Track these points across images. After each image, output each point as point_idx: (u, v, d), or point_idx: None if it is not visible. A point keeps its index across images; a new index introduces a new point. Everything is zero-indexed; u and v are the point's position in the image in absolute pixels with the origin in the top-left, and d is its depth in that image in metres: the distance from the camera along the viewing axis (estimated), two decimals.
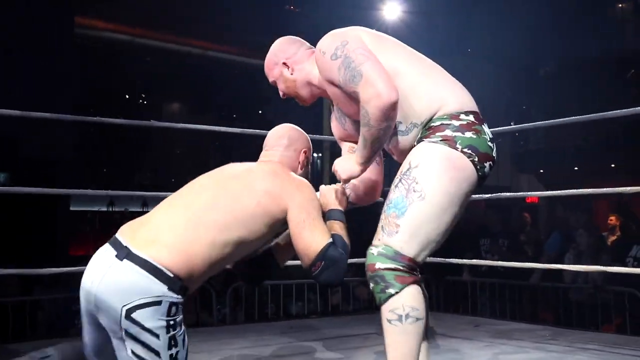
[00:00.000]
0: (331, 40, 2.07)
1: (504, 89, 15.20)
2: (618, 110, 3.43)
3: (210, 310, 6.10)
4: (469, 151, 1.95)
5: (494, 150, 2.03)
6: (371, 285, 1.95)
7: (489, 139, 2.01)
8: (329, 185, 2.26)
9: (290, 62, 2.26)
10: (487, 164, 1.99)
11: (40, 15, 10.77)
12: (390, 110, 1.93)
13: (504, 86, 15.20)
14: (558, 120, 3.82)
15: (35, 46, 10.65)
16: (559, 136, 14.37)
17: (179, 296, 1.91)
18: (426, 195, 1.93)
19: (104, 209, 14.51)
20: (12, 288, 5.90)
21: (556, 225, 7.56)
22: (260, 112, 19.98)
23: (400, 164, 2.07)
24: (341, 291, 6.83)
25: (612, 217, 7.06)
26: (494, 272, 6.24)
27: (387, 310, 1.91)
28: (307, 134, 2.39)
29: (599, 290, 5.45)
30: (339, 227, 2.12)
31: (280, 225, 2.11)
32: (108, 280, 1.89)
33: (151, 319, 1.87)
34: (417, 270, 1.95)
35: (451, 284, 6.69)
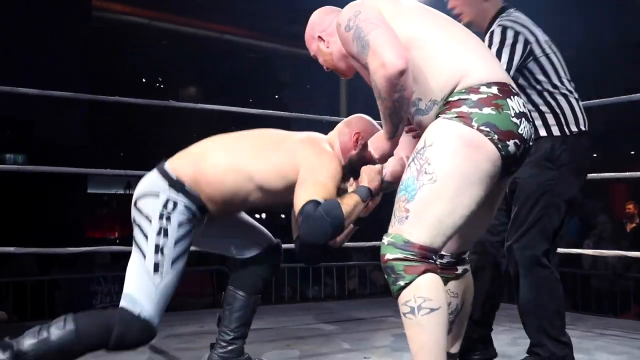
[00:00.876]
0: (346, 11, 1.96)
1: None
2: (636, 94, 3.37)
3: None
4: (487, 129, 1.78)
5: (522, 126, 1.83)
6: (385, 276, 1.83)
7: (513, 114, 1.81)
8: (368, 165, 2.19)
9: (325, 35, 2.18)
10: (510, 142, 1.79)
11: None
12: (397, 79, 1.80)
13: None
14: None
15: (52, 28, 10.69)
16: None
17: (180, 195, 2.15)
18: (438, 177, 1.79)
19: (121, 191, 14.59)
20: (30, 268, 5.94)
21: (575, 212, 7.51)
22: (276, 96, 19.96)
23: None
24: (357, 276, 6.82)
25: (630, 205, 7.02)
26: None
27: (401, 303, 1.79)
28: (324, 115, 2.42)
29: (618, 277, 5.41)
30: (348, 199, 2.10)
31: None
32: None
33: (148, 206, 2.15)
34: (434, 258, 1.81)
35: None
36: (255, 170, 2.19)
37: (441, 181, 1.79)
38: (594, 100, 3.64)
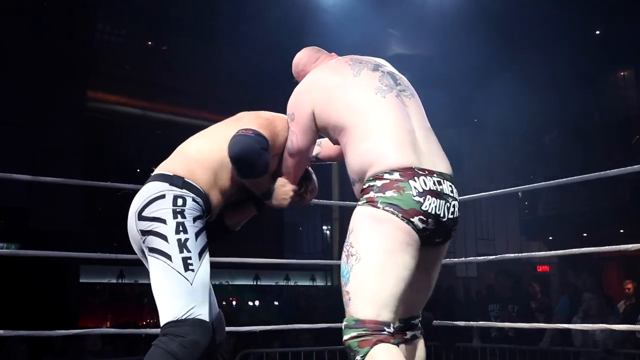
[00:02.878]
0: (289, 104, 2.38)
1: (511, 158, 15.30)
2: (623, 168, 3.46)
3: None
4: (391, 209, 1.99)
5: (427, 203, 2.02)
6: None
7: (415, 194, 2.01)
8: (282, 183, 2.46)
9: (301, 72, 2.56)
10: (415, 219, 2.00)
11: (54, 89, 11.03)
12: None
13: (510, 154, 15.31)
14: (562, 180, 3.85)
15: (47, 117, 10.89)
16: (566, 203, 14.39)
17: (183, 190, 2.12)
18: (361, 255, 1.99)
19: (114, 280, 14.51)
20: (21, 355, 5.90)
21: (567, 292, 7.54)
22: None
23: None
24: None
25: (629, 285, 6.91)
26: (504, 338, 6.20)
27: None
28: (317, 199, 2.63)
29: (609, 354, 5.40)
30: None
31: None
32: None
33: (157, 209, 2.10)
34: (385, 329, 1.95)
35: (461, 351, 6.63)
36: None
37: (365, 258, 1.99)
38: (580, 176, 3.73)
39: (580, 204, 14.08)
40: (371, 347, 1.91)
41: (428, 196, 2.02)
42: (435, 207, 2.04)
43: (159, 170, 2.24)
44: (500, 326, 5.62)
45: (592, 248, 3.57)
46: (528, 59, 12.04)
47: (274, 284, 15.86)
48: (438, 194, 2.05)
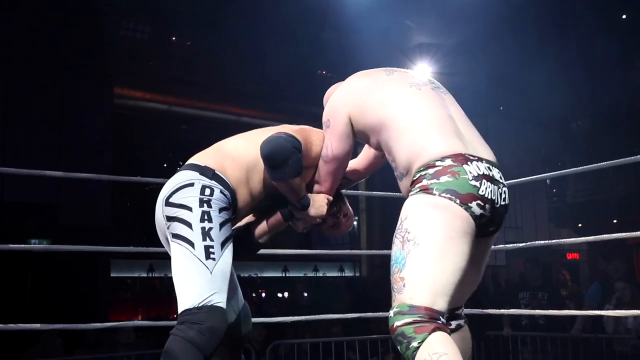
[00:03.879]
0: (325, 112, 2.37)
1: (539, 146, 15.20)
2: None
3: None
4: (448, 195, 1.94)
5: (483, 187, 1.98)
6: (398, 347, 1.89)
7: (472, 178, 1.97)
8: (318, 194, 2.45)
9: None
10: (473, 204, 1.95)
11: (81, 87, 11.16)
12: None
13: (537, 143, 15.20)
14: (590, 166, 3.83)
15: (74, 116, 11.01)
16: (595, 189, 14.27)
17: (213, 181, 2.15)
18: (420, 240, 1.92)
19: (144, 274, 14.65)
20: (56, 350, 5.99)
21: (597, 279, 7.49)
22: None
23: None
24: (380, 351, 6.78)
25: None
26: (535, 326, 6.17)
27: None
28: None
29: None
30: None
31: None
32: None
33: (185, 196, 2.12)
34: (440, 318, 1.87)
35: (492, 339, 6.61)
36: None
37: (424, 243, 1.91)
38: (608, 162, 3.71)
39: (609, 190, 13.95)
40: (429, 334, 1.82)
41: (484, 180, 1.99)
42: (491, 191, 2.00)
43: (191, 160, 2.28)
44: (530, 314, 5.59)
45: (622, 234, 3.54)
46: (554, 45, 11.93)
47: (302, 275, 15.92)
48: (492, 179, 2.02)
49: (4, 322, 3.11)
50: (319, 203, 2.37)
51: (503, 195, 2.05)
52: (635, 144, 12.95)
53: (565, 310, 4.83)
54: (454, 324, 2.24)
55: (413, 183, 2.04)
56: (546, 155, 15.03)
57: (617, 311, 4.61)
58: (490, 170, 2.04)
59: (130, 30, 12.58)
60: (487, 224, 2.02)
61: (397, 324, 1.88)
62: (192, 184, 2.15)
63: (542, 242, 4.12)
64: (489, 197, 1.98)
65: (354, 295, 12.23)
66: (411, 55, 12.64)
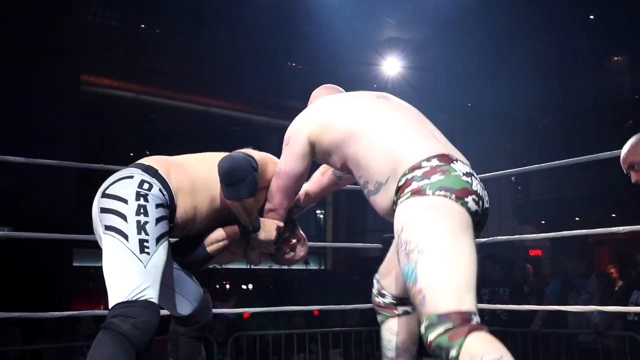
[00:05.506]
0: (288, 130, 2.31)
1: (505, 143, 15.34)
2: (615, 151, 3.48)
3: None
4: (443, 192, 1.87)
5: (475, 184, 1.94)
6: None
7: (462, 174, 1.93)
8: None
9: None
10: (469, 198, 1.89)
11: (48, 73, 11.00)
12: (267, 214, 2.34)
13: (504, 140, 15.34)
14: (554, 162, 3.87)
15: (41, 102, 10.86)
16: (559, 187, 14.46)
17: (153, 178, 2.12)
18: (423, 246, 1.82)
19: None
20: (14, 338, 5.91)
21: (559, 275, 7.60)
22: None
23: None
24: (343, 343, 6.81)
25: (612, 269, 7.19)
26: (496, 321, 6.24)
27: None
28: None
29: (601, 336, 5.45)
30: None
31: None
32: None
33: (122, 188, 2.08)
34: (473, 318, 1.76)
35: None
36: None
37: (428, 248, 1.82)
38: (573, 159, 3.76)
39: (573, 188, 14.16)
40: (465, 337, 1.71)
41: (472, 177, 1.95)
42: (481, 188, 1.96)
43: (138, 161, 2.25)
44: (491, 308, 5.65)
45: (582, 230, 3.60)
46: (522, 44, 12.05)
47: (267, 267, 15.88)
48: (475, 177, 1.98)
49: None
50: (268, 227, 2.32)
51: (486, 198, 2.01)
52: (600, 143, 13.13)
53: (526, 305, 4.88)
54: (400, 309, 2.29)
55: (400, 189, 1.95)
56: (512, 152, 15.18)
57: (574, 307, 4.69)
58: (470, 170, 2.01)
59: (98, 17, 12.44)
60: (481, 219, 1.98)
61: (430, 338, 1.77)
62: (131, 177, 2.12)
63: (504, 237, 4.16)
64: (480, 194, 1.95)
65: (318, 288, 12.24)
66: (381, 50, 12.67)
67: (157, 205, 2.09)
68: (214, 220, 2.34)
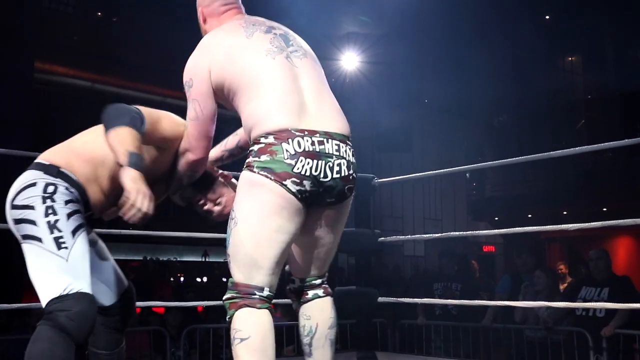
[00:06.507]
0: (186, 71, 2.31)
1: (460, 139, 15.50)
2: (566, 149, 3.56)
3: (164, 354, 6.04)
4: (265, 173, 2.04)
5: (299, 165, 2.04)
6: None
7: (287, 157, 2.03)
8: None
9: (205, 12, 2.49)
10: (288, 181, 2.03)
11: (2, 60, 10.77)
12: (193, 165, 2.32)
13: (460, 136, 15.50)
14: (508, 160, 3.92)
15: None
16: (513, 184, 14.67)
17: (57, 179, 2.10)
18: (238, 220, 2.08)
19: None
20: None
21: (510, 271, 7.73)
22: None
23: None
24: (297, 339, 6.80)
25: (562, 266, 7.35)
26: (447, 316, 6.33)
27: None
28: None
29: (550, 332, 5.55)
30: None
31: None
32: None
33: (27, 197, 2.07)
34: (256, 293, 2.05)
35: (407, 328, 6.74)
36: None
37: (241, 222, 2.07)
38: (526, 157, 3.82)
39: (526, 185, 14.39)
40: (236, 311, 2.03)
41: (301, 157, 2.04)
42: (311, 167, 2.05)
43: (38, 158, 2.22)
44: (443, 303, 5.73)
45: (533, 227, 3.67)
46: (481, 40, 12.17)
47: (222, 260, 15.83)
48: (315, 155, 2.06)
49: None
50: (140, 184, 2.06)
51: (336, 168, 2.09)
52: (554, 141, 13.38)
53: (477, 301, 4.96)
54: (310, 293, 2.33)
55: (246, 156, 2.15)
56: (468, 149, 15.35)
57: (523, 302, 4.77)
58: (322, 144, 2.08)
59: (54, 3, 12.21)
60: (317, 197, 2.09)
61: (224, 297, 2.10)
62: (34, 184, 2.11)
63: (457, 233, 4.21)
64: (308, 174, 2.04)
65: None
66: (339, 44, 12.68)
67: (67, 202, 2.09)
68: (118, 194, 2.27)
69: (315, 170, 2.05)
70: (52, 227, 2.02)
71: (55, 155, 2.20)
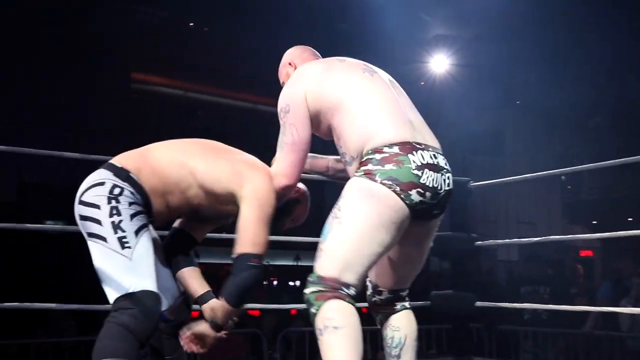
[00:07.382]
0: (281, 99, 2.39)
1: (554, 142, 15.11)
2: None
3: (260, 356, 6.13)
4: (389, 182, 2.06)
5: (425, 176, 2.10)
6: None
7: (414, 167, 2.09)
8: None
9: (296, 62, 2.56)
10: (413, 192, 2.07)
11: (98, 71, 11.18)
12: (282, 190, 2.34)
13: (553, 139, 15.12)
14: (605, 162, 3.80)
15: (92, 100, 11.05)
16: (611, 186, 14.20)
17: (125, 183, 2.17)
18: (344, 220, 2.08)
19: None
20: (69, 330, 6.03)
21: (610, 277, 7.46)
22: None
23: None
24: None
25: None
26: (537, 321, 6.15)
27: (316, 328, 2.04)
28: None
29: None
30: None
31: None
32: None
33: (94, 195, 2.13)
34: (343, 289, 2.05)
35: (502, 333, 6.61)
36: (196, 167, 2.29)
37: (347, 224, 2.08)
38: (623, 159, 3.67)
39: (625, 188, 13.88)
40: (325, 301, 2.03)
41: (426, 169, 2.10)
42: (433, 179, 2.11)
43: (112, 160, 2.29)
44: (543, 308, 5.57)
45: (636, 231, 3.53)
46: (573, 42, 11.85)
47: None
48: (435, 167, 2.14)
49: None
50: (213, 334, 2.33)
51: (447, 181, 2.18)
52: None
53: (574, 306, 4.81)
54: (399, 305, 2.39)
55: (360, 165, 2.15)
56: (561, 152, 14.95)
57: (626, 309, 4.60)
58: (436, 158, 2.16)
59: (148, 15, 12.59)
60: (430, 209, 2.15)
61: (306, 291, 2.09)
62: (102, 183, 2.18)
63: (553, 237, 4.11)
64: (431, 185, 2.10)
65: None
66: (428, 47, 12.58)
67: (130, 204, 2.16)
68: (194, 216, 2.42)
69: (436, 183, 2.12)
70: (116, 227, 2.10)
71: (128, 160, 2.28)
